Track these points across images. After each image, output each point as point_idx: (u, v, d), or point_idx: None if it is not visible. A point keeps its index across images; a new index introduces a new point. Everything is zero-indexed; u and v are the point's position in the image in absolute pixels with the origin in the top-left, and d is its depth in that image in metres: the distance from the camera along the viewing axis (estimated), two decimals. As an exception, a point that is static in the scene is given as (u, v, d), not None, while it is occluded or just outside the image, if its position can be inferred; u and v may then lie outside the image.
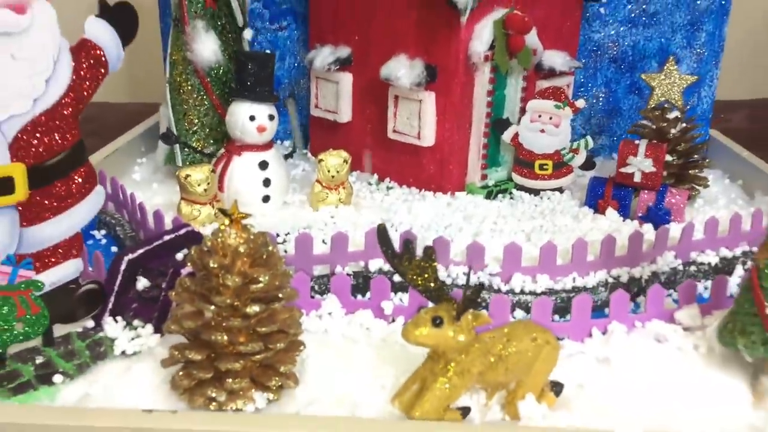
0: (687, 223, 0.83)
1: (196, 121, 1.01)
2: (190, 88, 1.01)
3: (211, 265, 0.54)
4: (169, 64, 1.03)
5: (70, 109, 0.61)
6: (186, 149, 1.00)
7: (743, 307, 0.60)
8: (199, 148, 1.01)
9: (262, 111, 0.91)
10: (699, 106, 1.17)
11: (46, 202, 0.61)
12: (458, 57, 0.94)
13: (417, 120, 0.99)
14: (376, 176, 1.08)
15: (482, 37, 0.94)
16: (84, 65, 0.61)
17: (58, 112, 0.60)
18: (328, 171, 0.93)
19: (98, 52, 0.62)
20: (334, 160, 0.94)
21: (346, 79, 1.07)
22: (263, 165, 0.92)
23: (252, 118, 0.91)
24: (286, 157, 1.08)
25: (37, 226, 0.61)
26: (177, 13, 1.00)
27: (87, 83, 0.61)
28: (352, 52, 1.06)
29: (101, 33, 0.62)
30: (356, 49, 1.06)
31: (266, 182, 0.93)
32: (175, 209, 0.90)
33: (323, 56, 1.07)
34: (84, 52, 0.61)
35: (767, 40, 1.73)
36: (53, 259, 0.63)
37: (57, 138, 0.60)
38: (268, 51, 1.12)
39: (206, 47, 0.99)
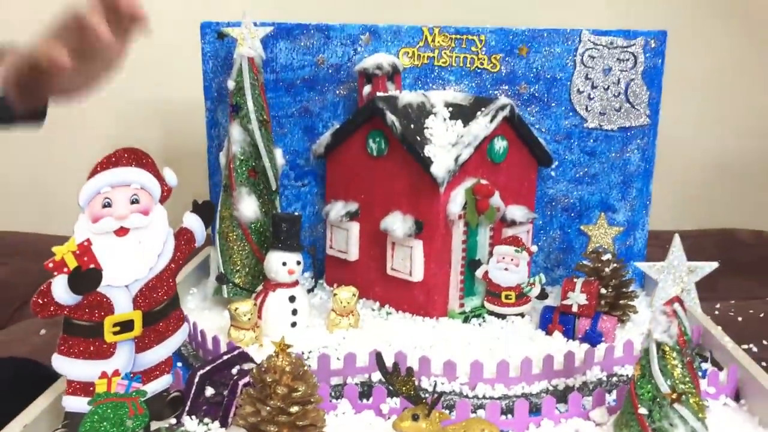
0: (608, 345, 1.11)
1: (239, 262, 1.31)
2: (234, 237, 1.31)
3: (267, 379, 0.82)
4: (219, 218, 1.33)
5: (171, 273, 0.90)
6: (231, 285, 1.30)
7: (627, 407, 0.88)
8: (240, 285, 1.31)
9: (292, 258, 1.21)
10: (635, 246, 1.47)
11: (152, 335, 0.90)
12: (439, 215, 1.25)
13: (409, 261, 1.29)
14: (377, 303, 1.36)
15: (456, 200, 1.25)
16: (181, 244, 0.91)
17: (164, 276, 0.89)
18: (341, 302, 1.22)
19: (190, 235, 0.92)
20: (345, 293, 1.23)
21: (354, 227, 1.37)
22: (292, 299, 1.21)
23: (284, 263, 1.21)
24: (309, 291, 1.37)
25: (145, 353, 0.89)
26: (226, 182, 1.32)
27: (182, 255, 0.91)
28: (359, 207, 1.36)
29: (193, 222, 0.93)
30: (362, 205, 1.36)
31: (294, 312, 1.21)
32: (223, 331, 1.19)
33: (336, 210, 1.37)
34: (182, 235, 0.91)
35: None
36: (153, 375, 0.91)
37: (161, 293, 0.89)
38: (296, 212, 1.44)
39: (248, 208, 1.30)
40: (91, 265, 0.82)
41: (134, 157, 0.84)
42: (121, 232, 0.84)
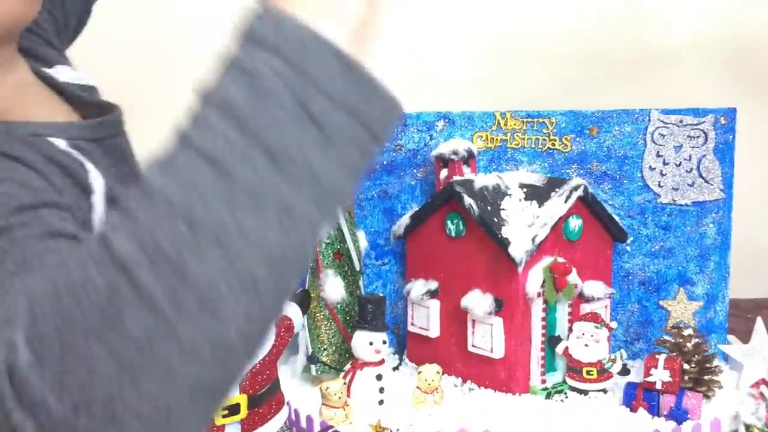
0: (695, 423, 1.12)
1: (326, 341, 1.38)
2: (321, 317, 1.38)
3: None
4: (307, 299, 1.41)
5: (272, 359, 0.97)
6: (319, 364, 1.36)
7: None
8: (328, 363, 1.37)
9: (378, 338, 1.27)
10: (716, 318, 1.47)
11: (255, 418, 0.96)
12: (518, 294, 1.29)
13: (490, 338, 1.32)
14: (459, 379, 1.40)
15: (535, 279, 1.29)
16: (282, 332, 0.99)
17: (266, 362, 0.96)
18: (426, 380, 1.27)
19: (290, 322, 1.00)
20: (430, 371, 1.27)
21: (435, 305, 1.42)
22: (379, 377, 1.26)
23: (370, 343, 1.27)
24: (394, 368, 1.42)
25: (249, 434, 0.97)
26: (313, 264, 1.40)
27: (282, 342, 0.99)
28: (439, 286, 1.42)
29: (292, 312, 1.00)
30: (442, 283, 1.41)
31: (381, 390, 1.26)
32: (311, 408, 1.24)
33: (417, 288, 1.43)
34: (282, 323, 0.99)
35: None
36: (258, 454, 0.98)
37: (264, 378, 0.96)
38: (378, 292, 1.50)
39: (335, 289, 1.37)
40: (204, 354, 0.89)
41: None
42: (230, 322, 0.92)
